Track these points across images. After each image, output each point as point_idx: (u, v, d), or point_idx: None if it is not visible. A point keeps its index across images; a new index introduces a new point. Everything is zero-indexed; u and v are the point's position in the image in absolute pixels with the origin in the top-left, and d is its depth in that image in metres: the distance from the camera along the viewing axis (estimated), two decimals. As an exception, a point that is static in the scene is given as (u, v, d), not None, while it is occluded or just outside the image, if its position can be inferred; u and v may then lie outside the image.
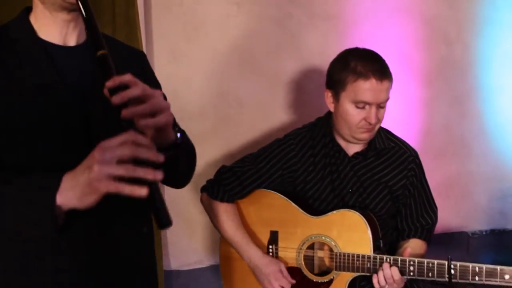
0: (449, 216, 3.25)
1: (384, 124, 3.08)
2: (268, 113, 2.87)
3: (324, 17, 2.93)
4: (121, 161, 1.09)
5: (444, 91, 3.22)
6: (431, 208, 2.22)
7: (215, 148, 2.78)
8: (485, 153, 3.32)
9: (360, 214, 2.03)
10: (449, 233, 3.35)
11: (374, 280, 1.95)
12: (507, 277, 1.61)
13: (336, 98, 2.09)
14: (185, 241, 2.80)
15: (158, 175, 1.10)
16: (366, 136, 2.09)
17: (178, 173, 1.50)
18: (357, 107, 2.03)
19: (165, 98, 1.34)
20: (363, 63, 2.02)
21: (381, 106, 2.06)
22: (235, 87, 2.80)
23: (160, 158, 1.13)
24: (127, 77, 1.17)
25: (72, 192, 1.13)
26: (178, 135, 1.35)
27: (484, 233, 3.43)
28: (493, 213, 3.41)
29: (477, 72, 3.27)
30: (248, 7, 2.78)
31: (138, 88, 1.18)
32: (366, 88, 2.01)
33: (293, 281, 2.12)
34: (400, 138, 2.26)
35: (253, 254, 2.15)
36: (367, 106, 2.03)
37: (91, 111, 1.32)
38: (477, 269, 1.64)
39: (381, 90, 2.02)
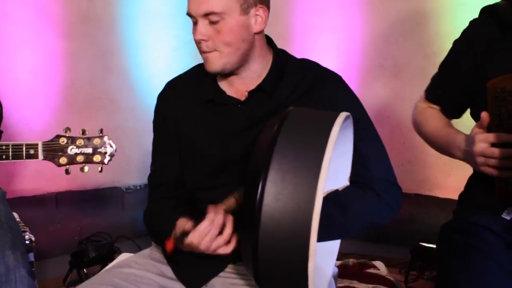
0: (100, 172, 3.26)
1: (18, 76, 2.95)
2: None
3: None
4: None
5: (88, 45, 3.20)
6: None
7: None
8: (133, 108, 3.40)
9: None
10: (101, 188, 3.36)
11: None
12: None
13: None
14: None
15: None
16: None
17: None
18: None
19: None
20: None
21: None
22: None
23: None
24: None
25: None
26: None
27: (138, 187, 3.52)
28: (144, 167, 3.50)
29: (122, 28, 3.32)
30: None
31: None
32: None
33: None
34: None
35: None
36: None
37: None
38: None
39: None
